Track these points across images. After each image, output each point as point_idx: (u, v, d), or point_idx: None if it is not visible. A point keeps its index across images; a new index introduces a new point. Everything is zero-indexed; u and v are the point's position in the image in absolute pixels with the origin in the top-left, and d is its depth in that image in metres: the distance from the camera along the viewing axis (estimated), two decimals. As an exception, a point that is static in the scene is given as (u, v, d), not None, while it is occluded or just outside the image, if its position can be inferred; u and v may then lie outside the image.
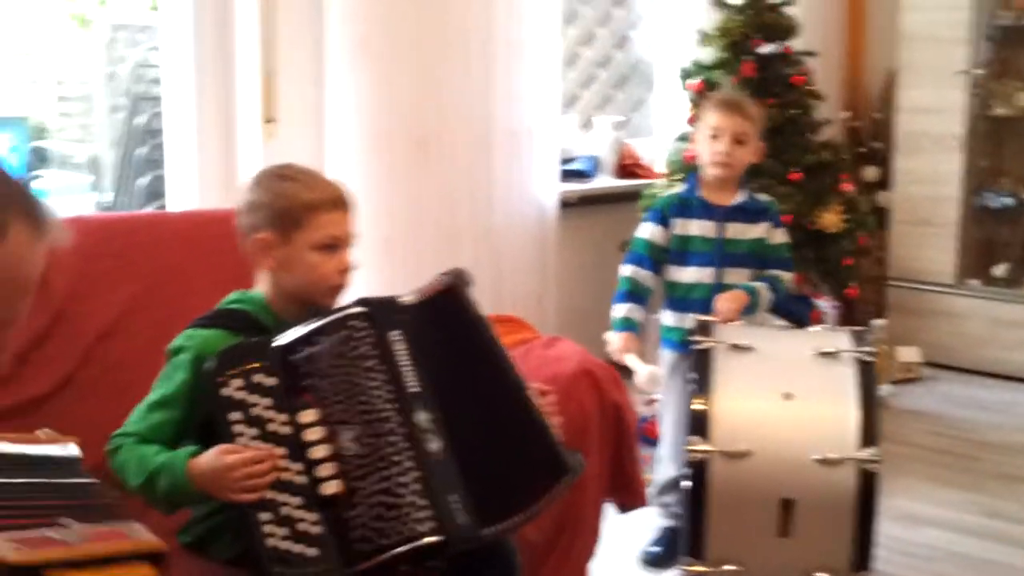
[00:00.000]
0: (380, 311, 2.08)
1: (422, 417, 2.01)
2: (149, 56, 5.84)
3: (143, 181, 5.16)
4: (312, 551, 1.96)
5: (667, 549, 3.51)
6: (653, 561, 3.50)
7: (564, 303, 4.75)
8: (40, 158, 6.95)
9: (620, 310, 3.42)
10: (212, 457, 1.98)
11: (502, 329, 2.75)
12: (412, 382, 2.03)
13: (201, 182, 3.51)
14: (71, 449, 1.96)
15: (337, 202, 2.21)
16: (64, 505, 1.68)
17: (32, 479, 1.80)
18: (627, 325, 3.39)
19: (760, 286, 3.36)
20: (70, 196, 6.38)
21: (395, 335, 2.06)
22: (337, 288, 2.22)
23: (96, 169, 5.99)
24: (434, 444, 2.01)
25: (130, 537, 1.57)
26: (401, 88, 3.74)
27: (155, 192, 5.03)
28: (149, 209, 4.75)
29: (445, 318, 2.15)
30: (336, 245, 2.19)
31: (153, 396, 2.12)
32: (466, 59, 3.92)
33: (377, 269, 3.58)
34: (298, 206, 2.17)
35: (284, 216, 2.17)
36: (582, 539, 2.69)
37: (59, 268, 2.54)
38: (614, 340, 3.38)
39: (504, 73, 4.05)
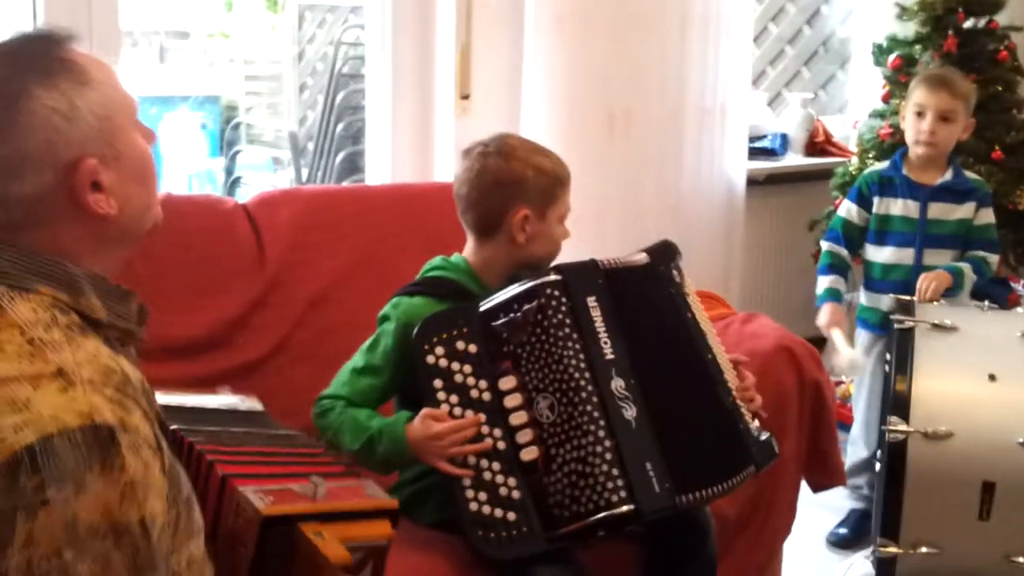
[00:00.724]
0: (575, 278, 2.10)
1: (617, 384, 2.04)
2: (343, 35, 5.99)
3: (339, 157, 5.30)
4: (512, 515, 2.01)
5: (854, 531, 3.48)
6: (840, 543, 3.48)
7: (750, 282, 4.72)
8: (235, 135, 7.22)
9: (823, 282, 3.40)
10: (419, 423, 2.05)
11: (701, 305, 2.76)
12: (607, 349, 2.06)
13: (395, 157, 3.60)
14: (255, 403, 2.06)
15: (569, 177, 2.28)
16: (295, 454, 1.75)
17: (249, 429, 1.87)
18: (832, 295, 3.37)
19: (965, 267, 3.28)
20: (264, 172, 6.61)
21: (591, 301, 2.08)
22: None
23: (287, 145, 6.17)
24: (629, 412, 2.03)
25: (368, 495, 1.63)
26: (596, 65, 3.76)
27: (351, 167, 5.17)
28: (346, 183, 4.88)
29: (643, 289, 2.17)
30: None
31: (359, 362, 2.20)
32: (662, 35, 3.92)
33: (566, 245, 3.62)
34: (556, 182, 2.23)
35: (545, 192, 2.21)
36: (777, 517, 2.68)
37: (274, 238, 2.67)
38: (821, 313, 3.35)
39: (699, 49, 4.04)
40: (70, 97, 1.34)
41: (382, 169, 3.60)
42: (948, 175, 3.36)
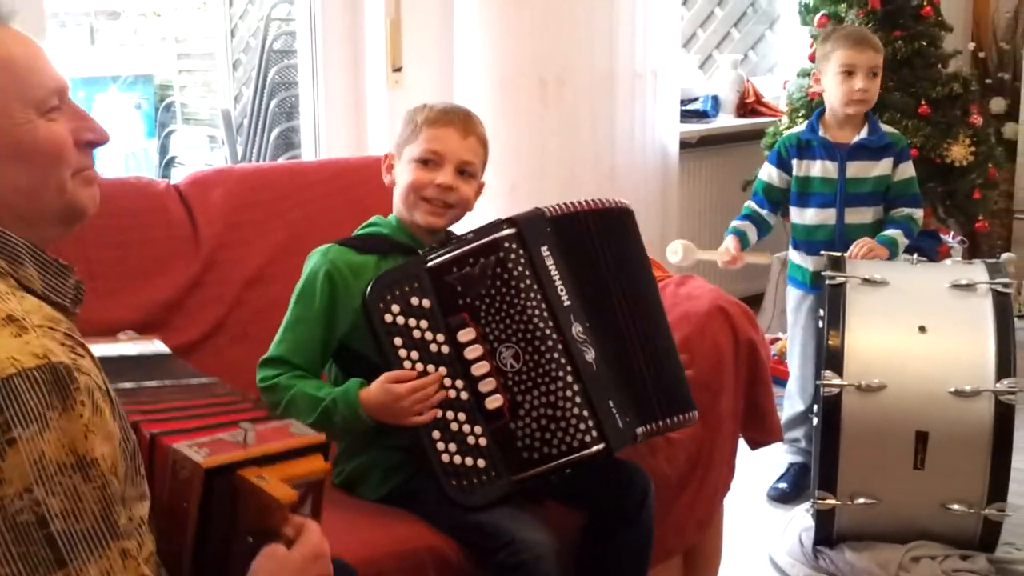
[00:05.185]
0: (529, 229, 2.13)
1: (576, 329, 2.12)
2: (273, 11, 5.93)
3: (273, 133, 5.26)
4: (481, 462, 2.09)
5: (794, 485, 3.54)
6: (780, 497, 3.53)
7: (687, 244, 4.76)
8: (169, 115, 7.13)
9: (734, 224, 3.49)
10: (380, 389, 2.08)
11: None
12: (564, 296, 2.12)
13: (329, 132, 3.59)
14: (160, 346, 2.06)
15: (449, 120, 2.24)
16: (215, 404, 1.76)
17: (163, 381, 1.85)
18: (736, 231, 3.46)
19: (896, 234, 3.30)
20: (198, 151, 6.55)
21: (544, 250, 2.13)
22: (428, 203, 2.23)
23: (221, 123, 6.11)
24: (589, 354, 2.12)
25: (295, 434, 1.64)
26: (526, 33, 3.77)
27: (286, 144, 5.14)
28: (281, 160, 4.86)
29: (599, 230, 2.22)
30: (434, 160, 2.22)
31: (292, 315, 2.23)
32: (591, 1, 3.94)
33: (502, 215, 3.63)
34: (411, 127, 2.25)
35: (402, 133, 2.27)
36: (716, 474, 2.72)
37: (208, 219, 2.65)
38: (727, 242, 3.44)
39: (628, 14, 4.06)
40: None
41: (317, 145, 3.60)
42: (864, 132, 3.40)
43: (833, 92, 3.38)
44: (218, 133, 6.37)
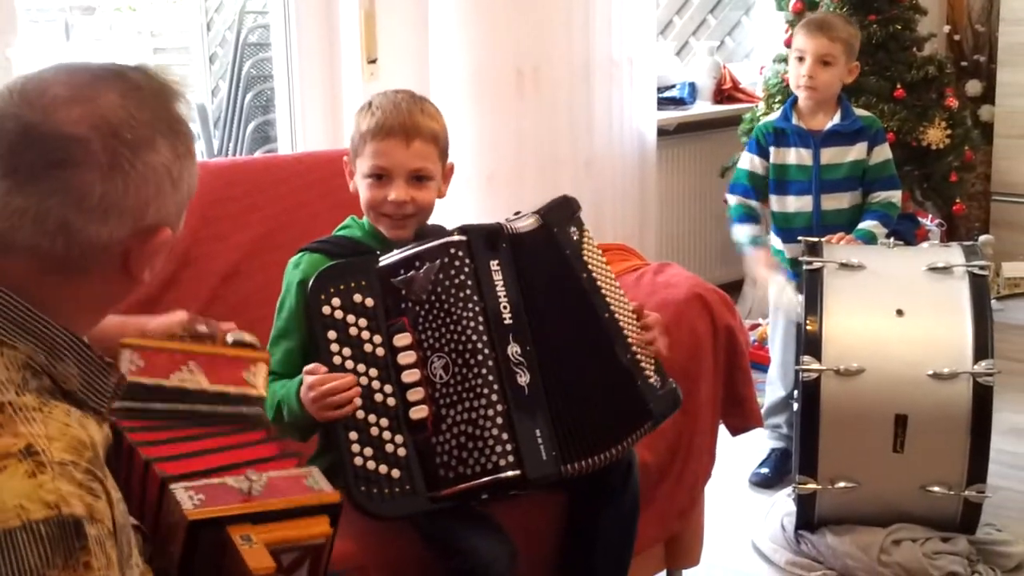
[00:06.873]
0: (480, 240, 2.08)
1: (513, 349, 2.04)
2: (247, 3, 5.90)
3: (249, 127, 5.23)
4: (396, 472, 1.99)
5: (776, 471, 3.55)
6: (762, 483, 3.54)
7: (665, 230, 4.78)
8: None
9: (743, 230, 3.44)
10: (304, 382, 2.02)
11: (612, 257, 2.80)
12: (506, 314, 2.05)
13: (305, 125, 3.58)
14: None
15: (389, 131, 2.14)
16: (233, 431, 1.70)
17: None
18: (757, 241, 3.42)
19: (872, 226, 3.31)
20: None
21: (494, 265, 2.07)
22: (388, 218, 2.18)
23: (197, 118, 6.08)
24: (523, 378, 2.03)
25: (308, 488, 1.55)
26: (501, 23, 3.76)
27: (263, 138, 5.11)
28: (258, 153, 4.84)
29: (545, 249, 2.15)
30: (383, 175, 2.16)
31: (274, 329, 2.18)
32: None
33: (480, 205, 3.64)
34: (357, 136, 2.19)
35: (353, 140, 2.21)
36: (696, 462, 2.72)
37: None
38: (755, 259, 3.42)
39: (603, 2, 4.06)
40: (181, 164, 1.29)
41: (293, 138, 3.59)
42: (837, 118, 3.40)
43: (791, 77, 3.43)
44: (194, 127, 6.33)
